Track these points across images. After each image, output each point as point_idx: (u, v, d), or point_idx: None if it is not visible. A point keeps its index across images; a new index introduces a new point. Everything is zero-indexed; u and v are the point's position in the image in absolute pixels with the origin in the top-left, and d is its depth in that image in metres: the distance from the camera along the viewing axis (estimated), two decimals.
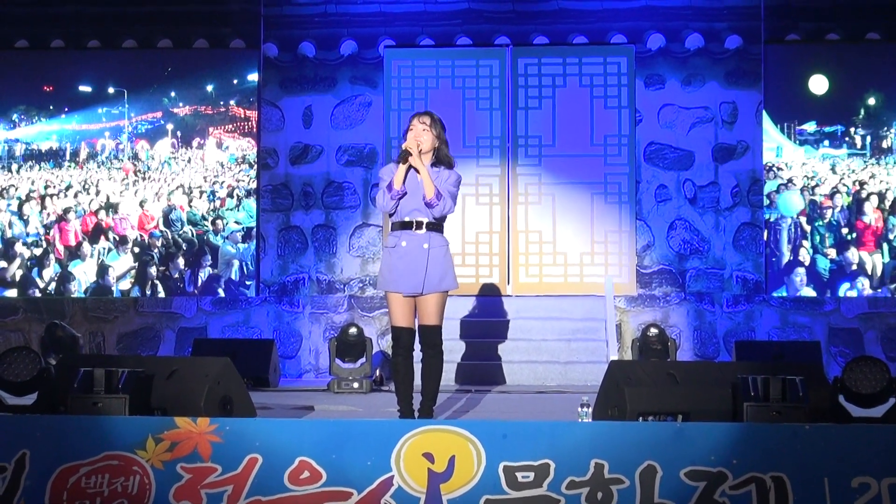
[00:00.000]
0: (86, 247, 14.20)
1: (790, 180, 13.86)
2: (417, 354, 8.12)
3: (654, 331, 12.41)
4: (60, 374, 7.49)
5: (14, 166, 14.47)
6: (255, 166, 14.26)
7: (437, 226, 8.04)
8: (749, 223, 13.85)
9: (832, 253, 13.81)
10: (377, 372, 11.99)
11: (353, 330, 11.93)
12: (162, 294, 14.18)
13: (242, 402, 7.76)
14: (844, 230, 13.81)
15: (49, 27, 14.37)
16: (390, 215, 8.11)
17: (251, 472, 6.27)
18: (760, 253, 13.82)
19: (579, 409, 7.47)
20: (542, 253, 13.97)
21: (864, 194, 13.85)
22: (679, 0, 14.02)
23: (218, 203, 14.28)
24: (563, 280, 13.94)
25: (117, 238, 14.21)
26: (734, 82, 13.94)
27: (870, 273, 13.77)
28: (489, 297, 13.70)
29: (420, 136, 7.98)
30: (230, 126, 14.39)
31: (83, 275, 14.20)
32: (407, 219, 8.00)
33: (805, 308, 13.72)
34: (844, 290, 13.76)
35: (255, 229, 14.19)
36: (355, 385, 11.54)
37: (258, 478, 6.26)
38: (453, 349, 12.69)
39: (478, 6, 14.18)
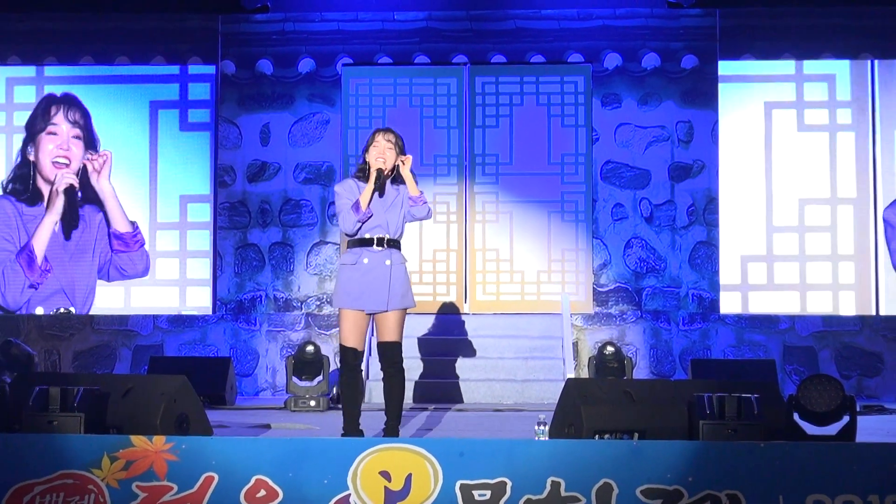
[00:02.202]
0: None
1: None
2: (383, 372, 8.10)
3: (610, 349, 12.47)
4: (15, 391, 7.44)
5: None
6: (213, 183, 14.22)
7: (396, 243, 7.95)
8: (705, 242, 13.91)
9: None
10: (334, 390, 11.93)
11: (310, 348, 11.91)
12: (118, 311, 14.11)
13: (199, 420, 7.73)
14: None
15: (6, 43, 14.28)
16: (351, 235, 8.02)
17: (207, 491, 6.25)
18: (716, 271, 13.89)
19: (536, 428, 7.46)
20: (499, 271, 13.99)
21: None
22: (635, 20, 14.10)
23: None
24: (521, 298, 13.97)
25: None
26: (690, 101, 14.02)
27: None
28: (446, 314, 13.70)
29: (384, 154, 7.86)
30: None
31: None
32: (368, 235, 7.90)
33: (760, 326, 13.79)
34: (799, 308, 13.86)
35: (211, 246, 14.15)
36: (312, 403, 11.52)
37: (214, 496, 6.24)
38: (411, 367, 12.65)
39: (436, 25, 14.21)
